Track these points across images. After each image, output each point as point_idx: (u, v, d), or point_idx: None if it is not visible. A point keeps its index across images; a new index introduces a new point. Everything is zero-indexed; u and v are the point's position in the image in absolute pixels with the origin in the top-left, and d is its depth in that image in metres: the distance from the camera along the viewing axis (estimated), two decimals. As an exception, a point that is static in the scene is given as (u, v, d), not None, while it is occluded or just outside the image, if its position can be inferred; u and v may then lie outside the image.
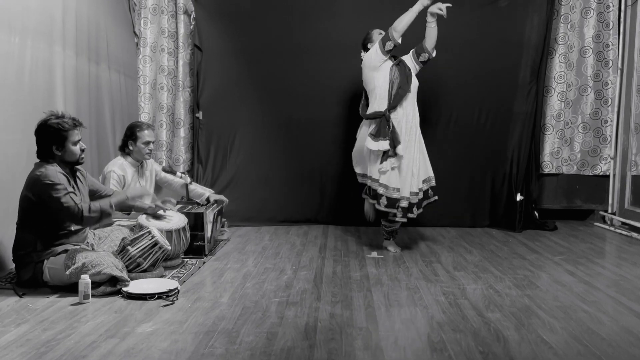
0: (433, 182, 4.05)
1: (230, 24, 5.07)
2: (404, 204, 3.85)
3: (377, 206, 3.90)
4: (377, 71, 3.89)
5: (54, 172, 2.89)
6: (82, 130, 3.10)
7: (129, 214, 3.81)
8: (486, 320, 2.60)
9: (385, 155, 3.85)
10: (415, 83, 3.97)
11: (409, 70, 3.96)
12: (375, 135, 3.85)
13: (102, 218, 3.03)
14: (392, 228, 4.05)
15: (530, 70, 5.02)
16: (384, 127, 3.85)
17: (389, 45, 3.80)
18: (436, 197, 4.07)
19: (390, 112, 3.87)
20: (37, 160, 3.00)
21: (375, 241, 4.29)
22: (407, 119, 3.90)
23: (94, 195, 3.29)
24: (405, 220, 3.90)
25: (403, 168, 3.88)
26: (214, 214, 3.99)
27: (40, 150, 2.97)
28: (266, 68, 5.08)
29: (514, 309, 2.75)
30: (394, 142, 3.82)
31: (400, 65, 3.94)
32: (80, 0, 4.07)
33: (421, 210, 3.97)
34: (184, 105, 5.28)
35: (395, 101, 3.87)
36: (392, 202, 3.85)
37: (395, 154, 3.84)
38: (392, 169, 3.85)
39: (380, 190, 3.85)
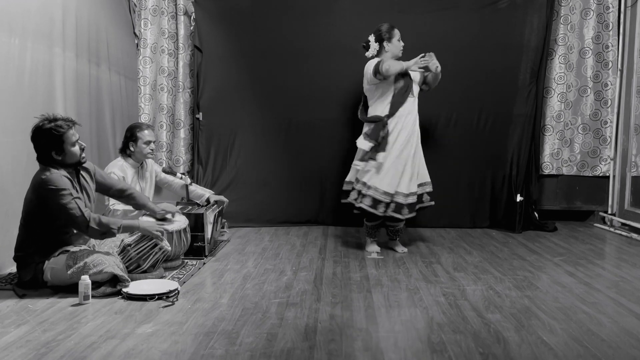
0: (429, 188, 4.09)
1: (231, 25, 5.07)
2: (400, 200, 3.87)
3: (360, 205, 3.91)
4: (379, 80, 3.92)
5: (59, 177, 2.86)
6: (81, 130, 3.08)
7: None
8: (486, 321, 2.60)
9: (366, 155, 3.89)
10: (416, 90, 4.01)
11: (411, 78, 3.97)
12: (369, 136, 3.89)
13: (105, 235, 2.98)
14: (373, 224, 4.05)
15: (530, 72, 5.02)
16: (378, 130, 3.87)
17: (379, 77, 3.83)
18: (432, 203, 4.10)
19: (389, 119, 3.89)
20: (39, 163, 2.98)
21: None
22: (406, 124, 3.91)
23: (108, 191, 3.29)
24: (400, 217, 3.89)
25: (400, 170, 3.88)
26: (215, 214, 3.99)
27: (40, 157, 2.93)
28: (266, 69, 5.09)
29: (514, 310, 2.75)
30: (379, 147, 3.85)
31: (405, 74, 3.94)
32: (81, 2, 4.08)
33: (414, 213, 3.95)
34: (184, 106, 5.28)
35: (393, 108, 3.90)
36: (375, 203, 3.88)
37: (374, 159, 3.87)
38: (376, 170, 3.87)
39: (364, 190, 3.88)
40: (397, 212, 3.87)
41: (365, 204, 3.89)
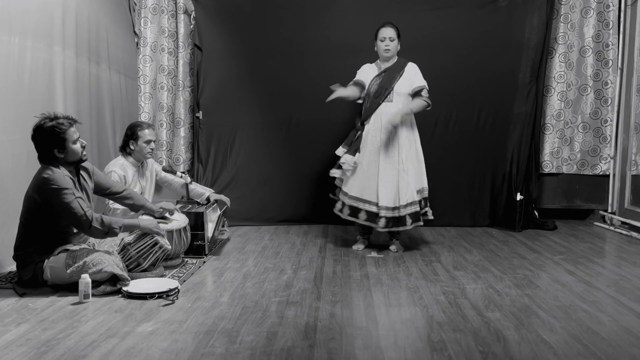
0: (425, 194, 4.03)
1: (231, 24, 5.07)
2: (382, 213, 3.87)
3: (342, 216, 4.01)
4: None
5: (61, 176, 2.86)
6: (81, 128, 3.09)
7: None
8: (486, 319, 2.60)
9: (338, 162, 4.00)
10: (402, 91, 3.93)
11: (395, 79, 3.93)
12: (345, 142, 4.01)
13: (107, 234, 2.98)
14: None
15: (530, 71, 5.02)
16: (352, 135, 3.98)
17: None
18: (431, 218, 4.08)
19: (364, 124, 3.95)
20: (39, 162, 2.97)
21: (375, 241, 4.29)
22: (381, 130, 3.90)
23: (105, 192, 3.29)
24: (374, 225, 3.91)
25: (372, 176, 3.89)
26: (219, 215, 3.99)
27: (42, 155, 2.92)
28: (266, 68, 5.09)
29: (514, 309, 2.76)
30: (349, 151, 3.94)
31: (383, 77, 3.94)
32: (81, 0, 4.08)
33: (403, 227, 3.89)
34: (184, 105, 5.28)
35: (366, 114, 3.96)
36: (354, 212, 3.94)
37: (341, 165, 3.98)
38: (346, 174, 3.97)
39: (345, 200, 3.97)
40: (371, 221, 3.89)
41: (344, 214, 3.98)
